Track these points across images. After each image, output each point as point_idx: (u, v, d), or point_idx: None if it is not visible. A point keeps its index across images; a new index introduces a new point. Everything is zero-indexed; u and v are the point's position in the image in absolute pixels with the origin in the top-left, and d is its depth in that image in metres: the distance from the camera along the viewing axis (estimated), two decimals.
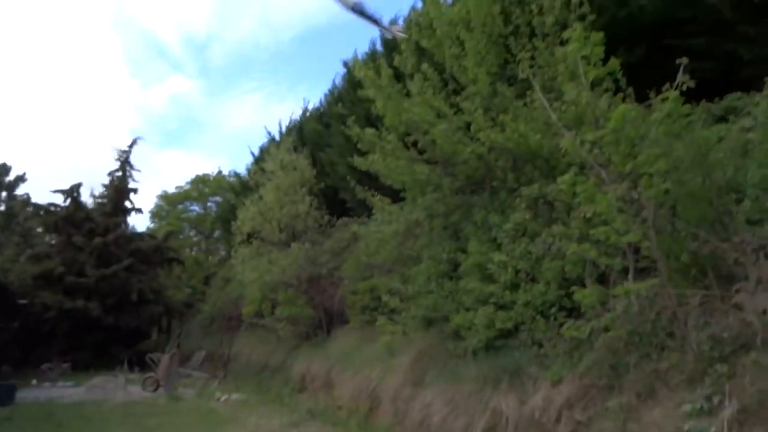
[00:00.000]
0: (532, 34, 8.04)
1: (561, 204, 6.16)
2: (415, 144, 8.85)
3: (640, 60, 8.82)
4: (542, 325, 6.03)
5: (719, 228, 4.60)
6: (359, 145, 9.25)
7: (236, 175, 34.86)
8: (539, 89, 6.43)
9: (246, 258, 15.98)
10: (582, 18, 7.09)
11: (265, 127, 50.02)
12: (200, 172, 43.06)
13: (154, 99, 74.97)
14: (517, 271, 6.54)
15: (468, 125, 8.09)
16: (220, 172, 42.77)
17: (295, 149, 16.30)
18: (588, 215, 5.22)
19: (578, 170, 5.56)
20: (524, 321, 6.31)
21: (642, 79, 5.57)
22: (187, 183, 42.74)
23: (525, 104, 7.36)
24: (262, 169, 17.09)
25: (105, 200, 20.91)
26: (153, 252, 21.43)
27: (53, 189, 19.94)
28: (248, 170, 25.95)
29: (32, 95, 70.22)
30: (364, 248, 11.64)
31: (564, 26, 7.75)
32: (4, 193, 30.47)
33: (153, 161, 62.77)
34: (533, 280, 6.33)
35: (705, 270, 4.39)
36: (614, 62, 4.42)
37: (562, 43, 7.55)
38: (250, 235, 15.75)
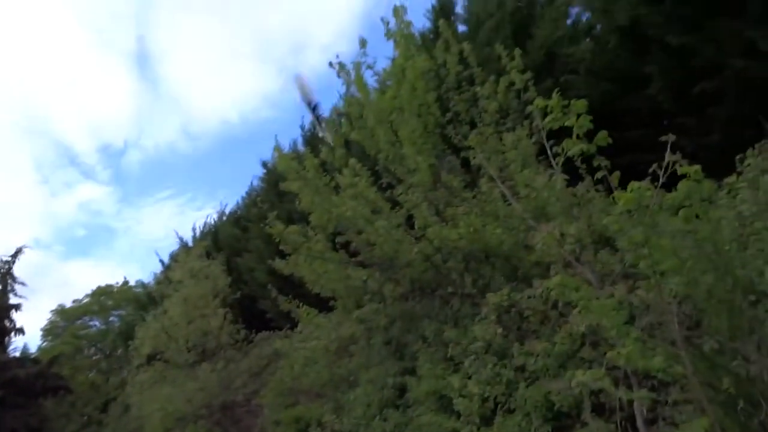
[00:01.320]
0: (473, 123, 7.34)
1: (534, 314, 4.99)
2: (346, 246, 7.62)
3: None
4: None
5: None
6: (281, 247, 7.87)
7: (143, 285, 32.04)
8: (496, 177, 5.47)
9: (145, 385, 13.50)
10: (528, 103, 6.44)
11: (176, 232, 46.92)
12: (103, 284, 39.21)
13: (63, 207, 70.68)
14: (484, 400, 5.17)
15: (408, 221, 7.02)
16: (126, 283, 39.19)
17: (208, 255, 14.50)
18: (581, 328, 4.08)
19: (560, 270, 4.48)
20: None
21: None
22: (86, 296, 38.69)
23: (474, 196, 6.39)
24: (169, 279, 15.06)
25: None
26: (34, 380, 18.20)
27: None
28: (155, 280, 23.55)
29: None
30: (287, 369, 9.88)
31: (506, 114, 7.17)
32: None
33: (58, 273, 57.59)
34: (510, 411, 4.97)
35: (754, 400, 3.27)
36: (603, 135, 3.47)
37: (508, 130, 6.91)
38: (151, 357, 13.40)
